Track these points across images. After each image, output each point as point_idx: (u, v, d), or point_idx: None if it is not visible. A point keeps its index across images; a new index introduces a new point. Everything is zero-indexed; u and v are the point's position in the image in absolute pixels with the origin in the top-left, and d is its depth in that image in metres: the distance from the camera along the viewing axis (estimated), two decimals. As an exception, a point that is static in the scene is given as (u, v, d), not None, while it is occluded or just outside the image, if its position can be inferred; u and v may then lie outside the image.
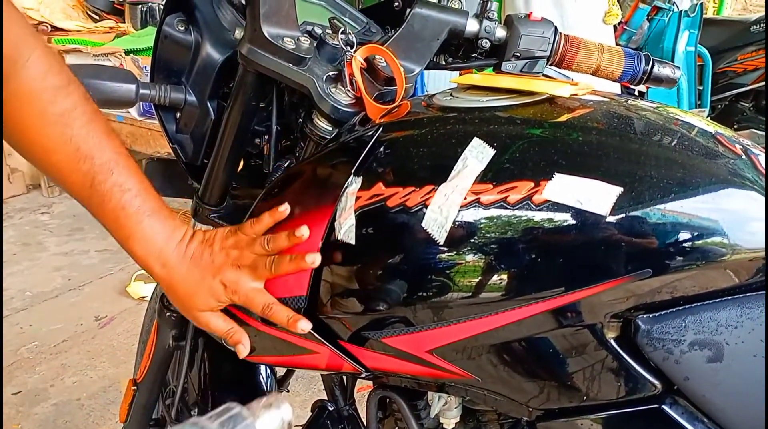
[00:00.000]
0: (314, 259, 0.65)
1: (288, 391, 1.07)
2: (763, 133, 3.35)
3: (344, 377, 0.90)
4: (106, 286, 2.76)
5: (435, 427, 0.83)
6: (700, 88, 3.46)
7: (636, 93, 2.47)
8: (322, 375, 0.93)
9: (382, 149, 0.66)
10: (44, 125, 0.63)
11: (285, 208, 0.68)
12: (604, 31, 2.36)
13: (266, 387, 1.07)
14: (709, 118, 0.70)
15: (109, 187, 0.66)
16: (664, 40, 3.12)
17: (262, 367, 1.07)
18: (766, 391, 0.56)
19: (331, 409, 0.89)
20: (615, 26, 3.32)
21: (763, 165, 0.60)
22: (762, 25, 3.47)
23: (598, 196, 0.55)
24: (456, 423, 0.80)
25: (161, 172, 1.09)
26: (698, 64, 3.38)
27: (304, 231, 0.66)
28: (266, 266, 0.67)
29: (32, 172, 3.69)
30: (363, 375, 0.76)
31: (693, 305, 0.57)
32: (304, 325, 0.66)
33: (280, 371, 1.11)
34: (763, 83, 3.49)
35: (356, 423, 0.90)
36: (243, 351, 0.71)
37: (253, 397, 1.08)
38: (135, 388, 1.13)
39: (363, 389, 0.89)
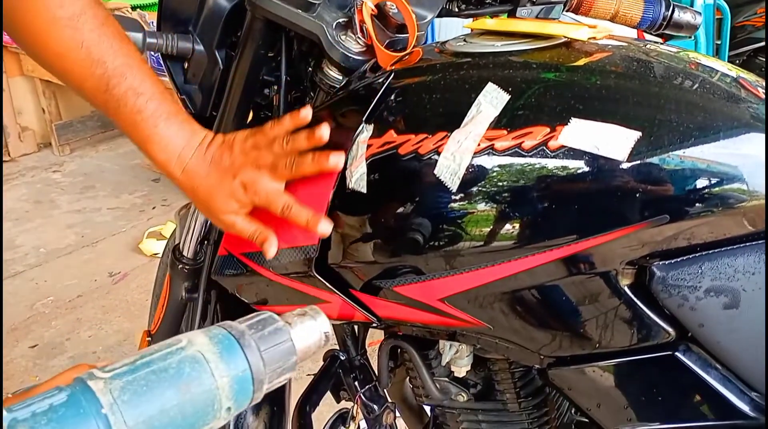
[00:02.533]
0: (338, 160, 0.63)
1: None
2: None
3: (356, 328, 0.91)
4: (118, 243, 2.78)
5: (446, 376, 0.83)
6: (718, 42, 3.37)
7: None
8: (333, 326, 0.93)
9: (393, 96, 0.65)
10: (54, 30, 0.63)
11: (307, 113, 0.67)
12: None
13: (278, 339, 1.08)
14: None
15: (123, 90, 0.66)
16: (682, -9, 3.03)
17: (275, 319, 1.08)
18: (766, 341, 0.56)
19: (342, 358, 0.90)
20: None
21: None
22: (784, -25, 3.35)
23: (615, 141, 0.54)
24: (467, 371, 0.81)
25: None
26: (717, 17, 3.28)
27: (324, 131, 0.64)
28: (286, 166, 0.65)
29: (43, 131, 3.68)
30: (374, 324, 0.77)
31: (710, 252, 0.56)
32: (326, 227, 0.64)
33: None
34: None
35: (368, 372, 0.91)
36: (270, 250, 0.68)
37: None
38: (149, 339, 1.15)
39: (374, 343, 0.90)
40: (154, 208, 3.08)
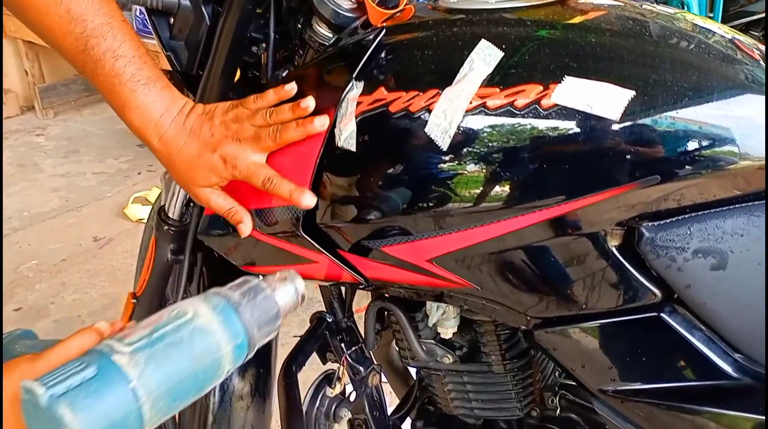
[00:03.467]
0: (324, 122, 0.62)
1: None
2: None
3: (343, 290, 0.91)
4: (103, 208, 2.75)
5: (432, 338, 0.84)
6: (711, 15, 3.35)
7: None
8: (320, 287, 0.93)
9: (384, 53, 0.64)
10: None
11: (291, 87, 0.65)
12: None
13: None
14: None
15: (102, 51, 0.64)
16: (676, -38, 3.00)
17: (261, 282, 1.08)
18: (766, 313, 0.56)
19: (329, 320, 0.90)
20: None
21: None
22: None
23: (609, 100, 0.53)
24: (453, 334, 0.81)
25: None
26: (710, -11, 3.26)
27: (309, 102, 0.63)
28: (270, 136, 0.64)
29: (25, 94, 3.61)
30: (362, 285, 0.76)
31: (699, 213, 0.56)
32: (309, 199, 0.63)
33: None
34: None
35: (354, 334, 0.91)
36: (245, 230, 0.68)
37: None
38: (134, 301, 1.14)
39: (360, 310, 0.90)
40: (139, 173, 3.05)
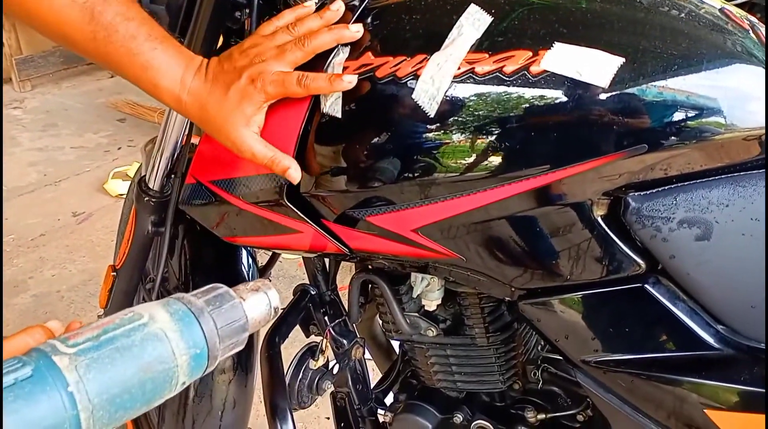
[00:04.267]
0: (359, 28, 0.60)
1: (270, 280, 1.07)
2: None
3: (327, 262, 0.90)
4: (82, 183, 2.71)
5: (416, 311, 0.84)
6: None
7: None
8: (304, 259, 0.92)
9: (371, 17, 0.62)
10: None
11: (310, 4, 0.63)
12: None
13: (248, 275, 1.07)
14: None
15: (111, 17, 0.61)
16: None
17: (244, 255, 1.07)
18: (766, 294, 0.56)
19: (313, 293, 0.89)
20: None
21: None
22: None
23: (598, 67, 0.53)
24: (437, 306, 0.81)
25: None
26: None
27: (340, 4, 0.61)
28: (296, 46, 0.61)
29: (2, 66, 3.53)
30: (347, 256, 0.76)
31: (686, 183, 0.56)
32: (350, 77, 0.59)
33: (262, 260, 1.11)
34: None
35: (338, 307, 0.90)
36: (294, 175, 0.63)
37: (235, 284, 1.08)
38: (114, 274, 1.12)
39: (344, 288, 0.89)
40: (119, 148, 3.01)
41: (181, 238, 1.07)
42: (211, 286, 0.47)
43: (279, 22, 0.64)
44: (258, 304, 0.47)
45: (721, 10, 0.59)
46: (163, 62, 0.63)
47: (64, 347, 0.39)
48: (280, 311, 0.95)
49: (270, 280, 1.12)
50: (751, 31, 0.57)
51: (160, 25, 0.66)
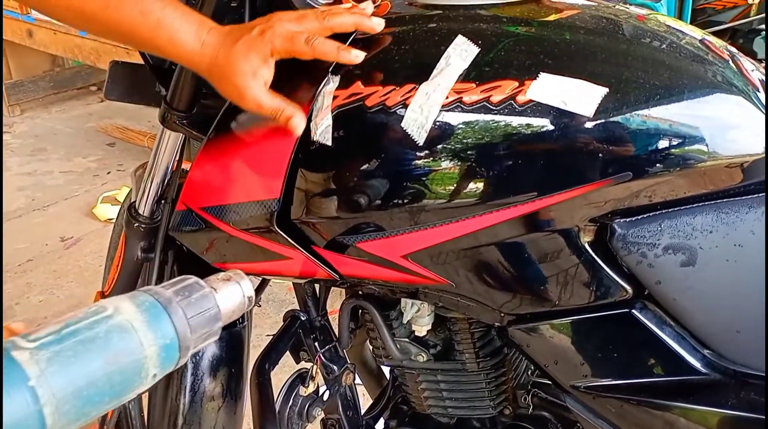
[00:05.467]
0: (380, 22, 0.62)
1: (259, 306, 1.07)
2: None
3: (317, 287, 0.90)
4: (71, 208, 2.70)
5: (406, 337, 0.84)
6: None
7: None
8: (294, 285, 0.92)
9: (361, 47, 0.63)
10: None
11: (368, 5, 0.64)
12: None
13: (237, 300, 1.06)
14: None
15: None
16: (645, -29, 3.06)
17: (234, 281, 1.06)
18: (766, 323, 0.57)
19: (303, 319, 0.89)
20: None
21: (749, 70, 0.59)
22: (745, -40, 3.40)
23: (583, 96, 0.54)
24: (427, 331, 0.81)
25: (126, 76, 1.03)
26: (678, -2, 3.33)
27: (369, 3, 0.63)
28: (317, 16, 0.62)
29: (-8, 90, 3.54)
30: (337, 282, 0.76)
31: (670, 210, 0.57)
32: (358, 53, 0.61)
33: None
34: (742, 21, 3.47)
35: (328, 333, 0.90)
36: (298, 124, 0.62)
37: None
38: (103, 300, 1.12)
39: (334, 312, 0.89)
40: (108, 172, 3.00)
41: (171, 264, 1.06)
42: (180, 277, 0.46)
43: (310, 12, 0.65)
44: (230, 294, 0.47)
45: (701, 41, 0.61)
46: (177, 18, 0.64)
47: (25, 342, 0.38)
48: (254, 304, 0.95)
49: (260, 306, 1.12)
50: (731, 61, 0.59)
51: None
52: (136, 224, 0.98)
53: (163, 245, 0.98)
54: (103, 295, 1.12)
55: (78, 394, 0.38)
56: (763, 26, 3.42)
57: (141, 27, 0.64)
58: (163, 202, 0.94)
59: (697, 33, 0.63)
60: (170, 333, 0.42)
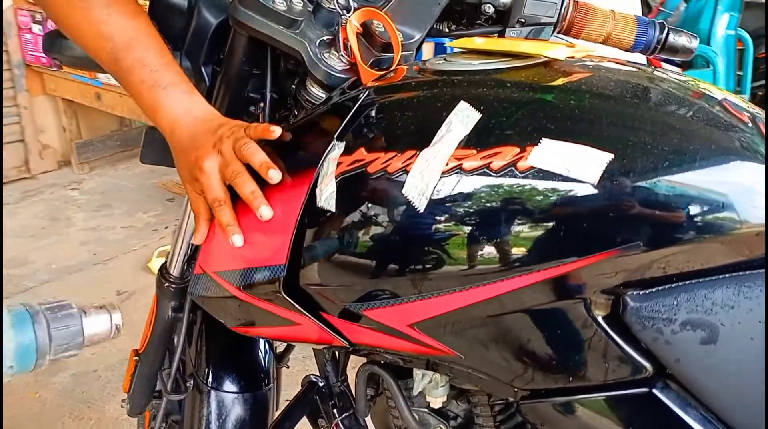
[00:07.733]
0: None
1: (288, 367, 1.05)
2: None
3: (336, 353, 0.88)
4: (129, 262, 2.79)
5: (426, 406, 0.80)
6: (740, 73, 3.32)
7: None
8: (314, 349, 0.91)
9: (366, 113, 0.63)
10: (71, 9, 0.73)
11: (275, 129, 0.67)
12: (631, 4, 2.28)
13: (264, 362, 1.05)
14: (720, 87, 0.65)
15: (129, 63, 0.72)
16: (701, 21, 3.00)
17: (261, 342, 1.06)
18: (766, 382, 0.52)
19: (321, 384, 0.87)
20: (651, 7, 3.21)
21: (772, 133, 0.55)
22: (808, 8, 3.30)
23: (586, 163, 0.52)
24: (444, 403, 0.78)
25: (160, 140, 1.07)
26: (738, 48, 3.24)
27: (275, 174, 0.64)
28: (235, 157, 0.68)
29: (63, 149, 3.75)
30: (349, 350, 0.74)
31: (686, 283, 0.53)
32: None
33: (280, 347, 1.10)
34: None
35: (347, 399, 0.88)
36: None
37: (252, 371, 1.07)
38: (137, 358, 1.13)
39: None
40: (166, 227, 3.10)
41: (199, 324, 1.07)
42: (59, 299, 0.58)
43: (248, 131, 0.70)
44: (98, 319, 0.59)
45: (720, 102, 0.58)
46: (164, 106, 0.73)
47: None
48: (283, 365, 0.94)
49: (288, 366, 1.10)
50: (751, 123, 0.56)
51: (181, 72, 0.75)
52: (167, 284, 1.00)
53: (191, 305, 0.99)
54: (137, 352, 1.14)
55: None
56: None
57: (140, 104, 0.74)
58: (192, 262, 0.96)
59: (715, 92, 0.60)
60: (30, 336, 0.52)
